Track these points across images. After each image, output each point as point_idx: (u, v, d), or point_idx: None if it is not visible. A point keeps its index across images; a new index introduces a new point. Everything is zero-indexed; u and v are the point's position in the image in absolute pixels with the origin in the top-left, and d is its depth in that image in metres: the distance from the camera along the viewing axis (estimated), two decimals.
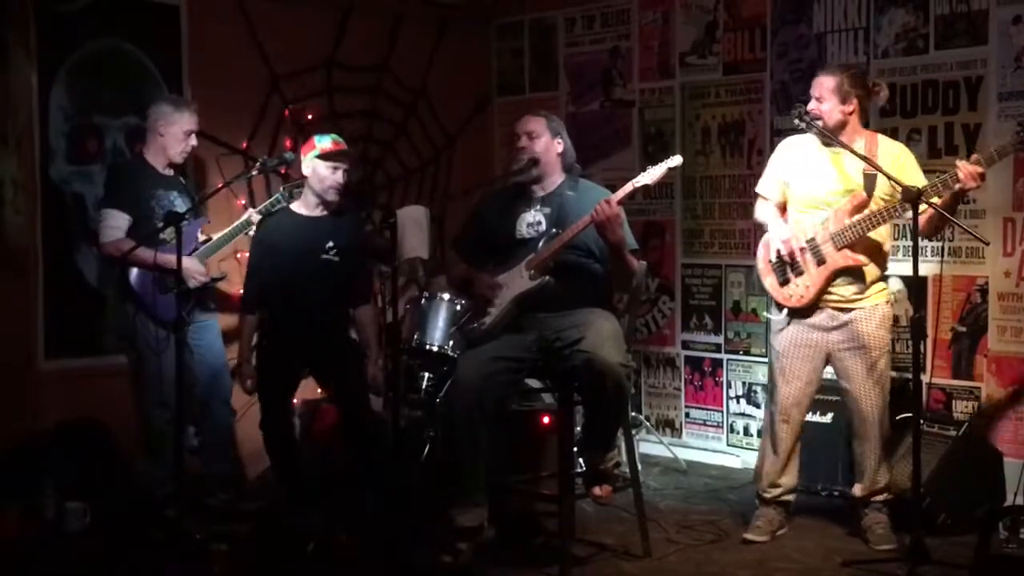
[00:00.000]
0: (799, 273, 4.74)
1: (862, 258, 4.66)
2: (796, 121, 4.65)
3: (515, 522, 5.03)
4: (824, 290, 4.71)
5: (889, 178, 4.46)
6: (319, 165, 5.10)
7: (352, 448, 5.28)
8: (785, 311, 4.81)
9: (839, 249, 4.65)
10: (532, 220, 4.68)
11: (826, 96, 4.66)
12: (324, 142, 5.13)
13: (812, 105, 4.68)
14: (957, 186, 4.42)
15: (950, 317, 5.43)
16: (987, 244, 5.09)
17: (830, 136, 4.63)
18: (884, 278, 4.83)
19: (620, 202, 4.43)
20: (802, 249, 4.72)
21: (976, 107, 5.32)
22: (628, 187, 4.45)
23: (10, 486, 4.94)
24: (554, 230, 4.57)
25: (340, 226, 5.22)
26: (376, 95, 6.63)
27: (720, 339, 6.36)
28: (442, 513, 4.53)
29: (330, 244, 5.14)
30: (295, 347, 5.09)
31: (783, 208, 4.88)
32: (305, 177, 5.15)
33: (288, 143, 6.11)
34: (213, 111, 5.79)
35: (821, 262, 4.69)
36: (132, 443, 5.24)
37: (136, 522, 4.97)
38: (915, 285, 4.59)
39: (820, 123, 4.65)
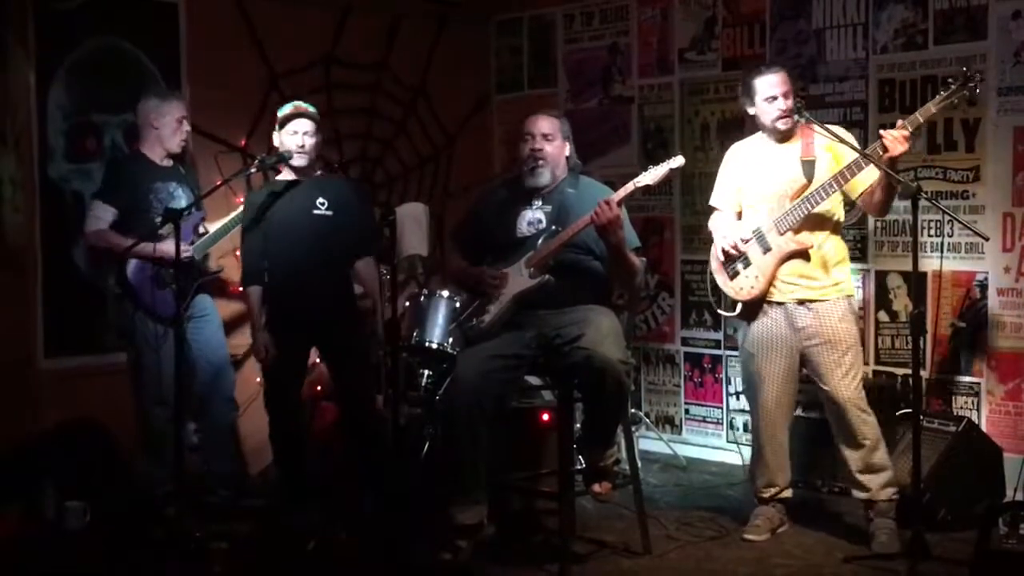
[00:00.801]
0: (747, 264, 4.74)
1: (807, 240, 4.65)
2: (795, 117, 4.66)
3: (515, 519, 5.04)
4: (774, 278, 4.70)
5: (886, 172, 4.44)
6: (281, 134, 5.05)
7: (351, 445, 5.27)
8: (739, 306, 4.80)
9: (782, 234, 4.66)
10: (532, 218, 4.67)
11: (790, 91, 4.70)
12: (284, 110, 5.08)
13: (780, 103, 4.67)
14: (886, 155, 4.42)
15: (950, 313, 5.43)
16: (986, 239, 5.08)
17: (822, 126, 4.62)
18: (846, 270, 4.78)
19: (620, 202, 4.42)
20: (746, 240, 4.73)
21: (975, 102, 5.29)
22: (629, 187, 4.44)
23: (10, 485, 4.94)
24: (554, 227, 4.56)
25: (329, 183, 5.19)
26: (375, 93, 6.63)
27: (720, 335, 6.36)
28: (442, 511, 4.53)
29: (321, 200, 5.07)
30: (300, 318, 5.03)
31: (739, 217, 4.90)
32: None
33: None
34: (212, 109, 5.81)
35: (767, 250, 4.69)
36: (132, 441, 5.25)
37: (136, 521, 4.96)
38: (915, 281, 4.56)
39: (789, 123, 4.68)
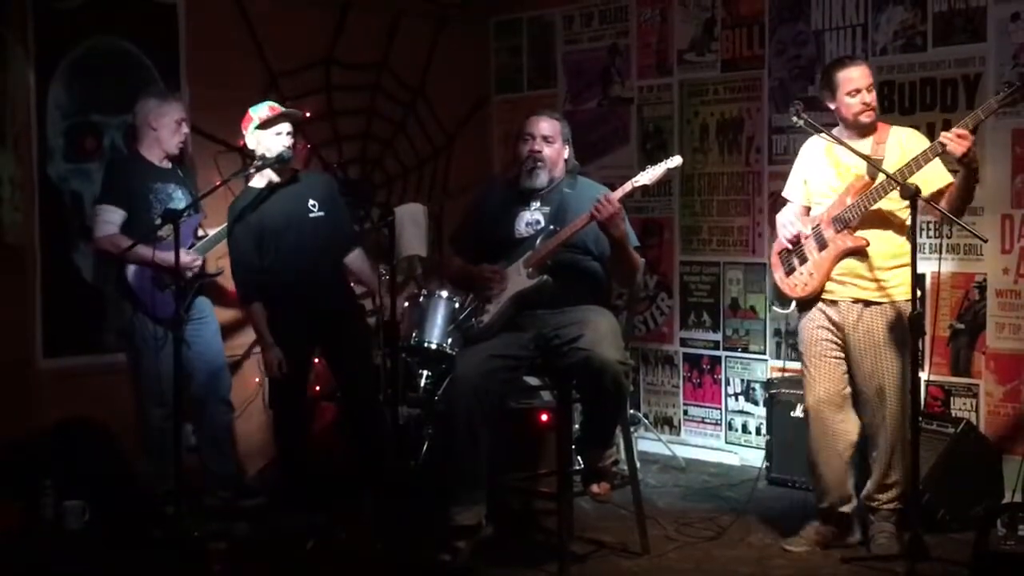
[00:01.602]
0: (803, 260, 4.68)
1: (863, 239, 4.55)
2: (794, 119, 4.59)
3: (514, 520, 5.03)
4: (829, 275, 4.60)
5: (888, 176, 4.40)
6: (262, 136, 5.00)
7: (353, 442, 5.27)
8: (793, 304, 4.76)
9: (838, 231, 4.57)
10: (531, 219, 4.66)
11: (872, 84, 4.61)
12: (260, 111, 5.03)
13: (864, 97, 4.56)
14: (948, 154, 4.30)
15: (948, 314, 5.43)
16: (985, 241, 5.06)
17: (823, 130, 4.58)
18: (904, 273, 4.54)
19: (619, 200, 4.43)
20: (806, 236, 4.67)
21: (974, 105, 5.30)
22: (627, 186, 4.44)
23: (9, 485, 4.94)
24: (552, 227, 4.56)
25: (311, 182, 5.18)
26: (375, 93, 6.63)
27: (719, 336, 6.36)
28: (441, 511, 4.53)
29: (312, 202, 5.08)
30: (304, 321, 5.02)
31: (809, 210, 4.80)
32: (252, 154, 5.05)
33: None
34: (211, 108, 5.82)
35: (823, 247, 4.62)
36: (131, 441, 5.25)
37: (135, 521, 4.96)
38: (914, 282, 4.54)
39: (873, 116, 4.62)
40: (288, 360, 5.02)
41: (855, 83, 4.58)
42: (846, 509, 4.72)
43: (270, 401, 5.17)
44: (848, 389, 4.68)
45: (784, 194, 4.94)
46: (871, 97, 4.60)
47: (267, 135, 5.00)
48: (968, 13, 5.34)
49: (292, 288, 5.01)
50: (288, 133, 5.03)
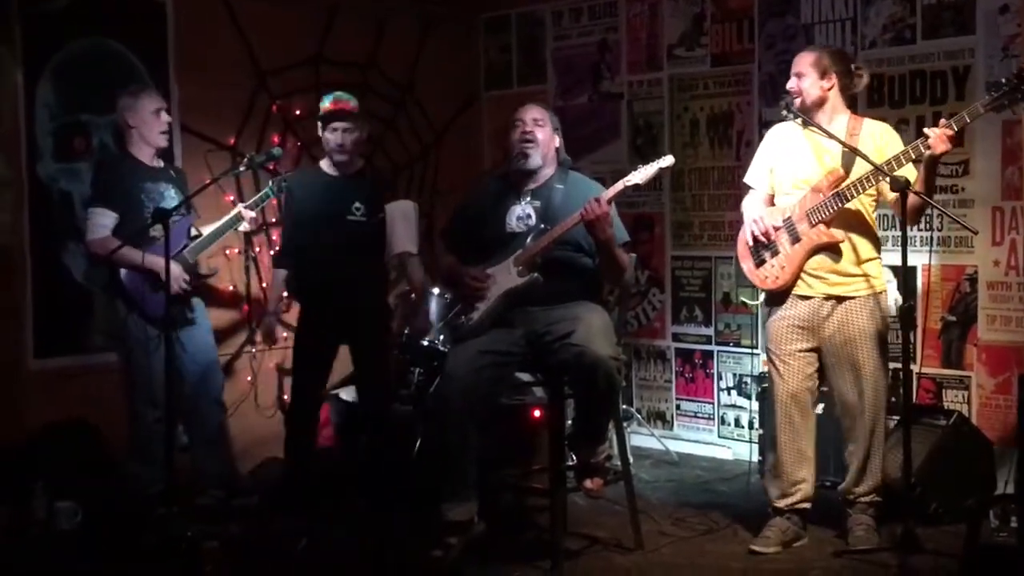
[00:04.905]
0: (774, 253, 4.61)
1: (838, 234, 4.49)
2: (784, 112, 4.57)
3: (506, 516, 5.03)
4: (801, 269, 4.55)
5: (868, 160, 4.37)
6: (322, 129, 5.10)
7: (367, 438, 5.28)
8: (763, 295, 4.74)
9: (813, 225, 4.50)
10: (521, 214, 4.66)
11: (805, 71, 4.54)
12: (325, 103, 5.10)
13: (792, 83, 4.56)
14: (927, 152, 4.25)
15: (940, 307, 5.44)
16: (976, 233, 5.07)
17: (813, 123, 4.54)
18: (877, 265, 4.60)
19: (610, 200, 4.42)
20: (777, 228, 4.59)
21: (964, 97, 5.32)
22: (619, 185, 4.43)
23: (0, 486, 4.93)
24: (543, 225, 4.55)
25: (364, 187, 5.18)
26: (364, 91, 6.62)
27: (711, 331, 6.36)
28: (432, 508, 4.52)
29: (357, 205, 5.09)
30: (329, 315, 5.05)
31: (772, 198, 4.75)
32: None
33: (275, 139, 6.10)
34: (200, 107, 5.81)
35: (796, 240, 4.55)
36: (122, 442, 5.23)
37: (127, 521, 4.95)
38: (904, 275, 4.52)
39: (799, 104, 4.55)
40: (311, 357, 5.04)
41: (792, 68, 4.60)
42: (807, 505, 4.70)
43: (283, 403, 5.18)
44: (816, 384, 4.67)
45: (747, 180, 4.84)
46: (796, 83, 4.56)
47: (325, 129, 5.10)
48: (957, 6, 5.35)
49: (319, 286, 5.04)
50: (344, 130, 5.10)
